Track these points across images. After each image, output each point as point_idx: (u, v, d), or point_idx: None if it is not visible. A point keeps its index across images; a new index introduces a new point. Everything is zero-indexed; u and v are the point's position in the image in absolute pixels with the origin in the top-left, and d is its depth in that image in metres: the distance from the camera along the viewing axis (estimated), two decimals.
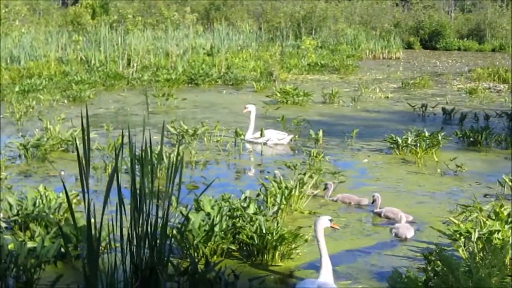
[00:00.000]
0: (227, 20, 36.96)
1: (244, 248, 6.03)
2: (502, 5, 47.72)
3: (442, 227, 6.60)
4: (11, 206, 6.48)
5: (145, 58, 25.19)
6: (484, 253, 4.85)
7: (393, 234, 6.67)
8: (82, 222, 5.53)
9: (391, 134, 10.97)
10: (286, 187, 7.13)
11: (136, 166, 5.12)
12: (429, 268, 4.94)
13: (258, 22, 41.45)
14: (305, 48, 29.66)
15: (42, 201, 6.48)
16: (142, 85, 19.79)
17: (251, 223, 6.00)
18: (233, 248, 5.98)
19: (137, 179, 4.94)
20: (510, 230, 5.76)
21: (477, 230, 5.68)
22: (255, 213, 6.22)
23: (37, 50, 24.99)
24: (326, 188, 8.03)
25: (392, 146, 10.74)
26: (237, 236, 6.02)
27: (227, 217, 6.05)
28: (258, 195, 7.16)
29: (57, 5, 43.10)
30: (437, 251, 4.86)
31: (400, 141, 10.62)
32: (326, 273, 5.01)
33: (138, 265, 4.92)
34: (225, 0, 43.19)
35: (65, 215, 6.50)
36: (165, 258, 5.03)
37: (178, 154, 5.35)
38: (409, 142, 10.55)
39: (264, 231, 5.81)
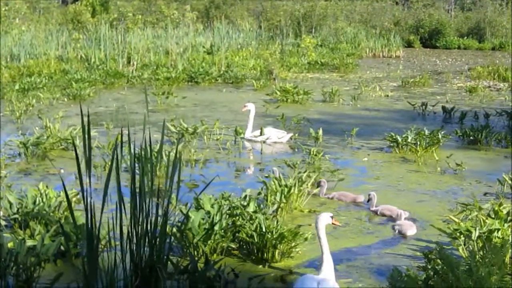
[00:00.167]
0: (227, 18, 36.97)
1: (244, 246, 6.03)
2: (502, 3, 47.77)
3: (442, 225, 6.61)
4: (11, 204, 6.47)
5: (145, 56, 25.19)
6: (484, 251, 4.85)
7: (396, 231, 6.67)
8: (82, 220, 5.53)
9: (391, 133, 10.96)
10: (286, 185, 7.13)
11: (136, 164, 5.12)
12: (429, 267, 4.93)
13: (258, 21, 41.46)
14: (305, 47, 29.65)
15: (42, 199, 6.47)
16: (142, 83, 19.77)
17: (251, 222, 5.99)
18: (233, 246, 5.98)
19: (137, 177, 4.94)
20: (509, 229, 5.76)
21: (477, 228, 5.68)
22: (255, 212, 6.22)
23: (37, 48, 25.01)
24: (319, 185, 8.01)
25: (392, 144, 10.74)
26: (237, 234, 6.02)
27: (227, 216, 6.06)
28: (259, 193, 7.16)
29: (57, 3, 43.18)
30: (437, 249, 4.85)
31: (400, 139, 10.61)
32: (327, 270, 5.00)
33: (138, 264, 4.91)
34: None
35: (65, 213, 6.48)
36: (165, 257, 5.03)
37: (177, 152, 5.35)
38: (409, 140, 10.55)
39: (264, 229, 5.81)
